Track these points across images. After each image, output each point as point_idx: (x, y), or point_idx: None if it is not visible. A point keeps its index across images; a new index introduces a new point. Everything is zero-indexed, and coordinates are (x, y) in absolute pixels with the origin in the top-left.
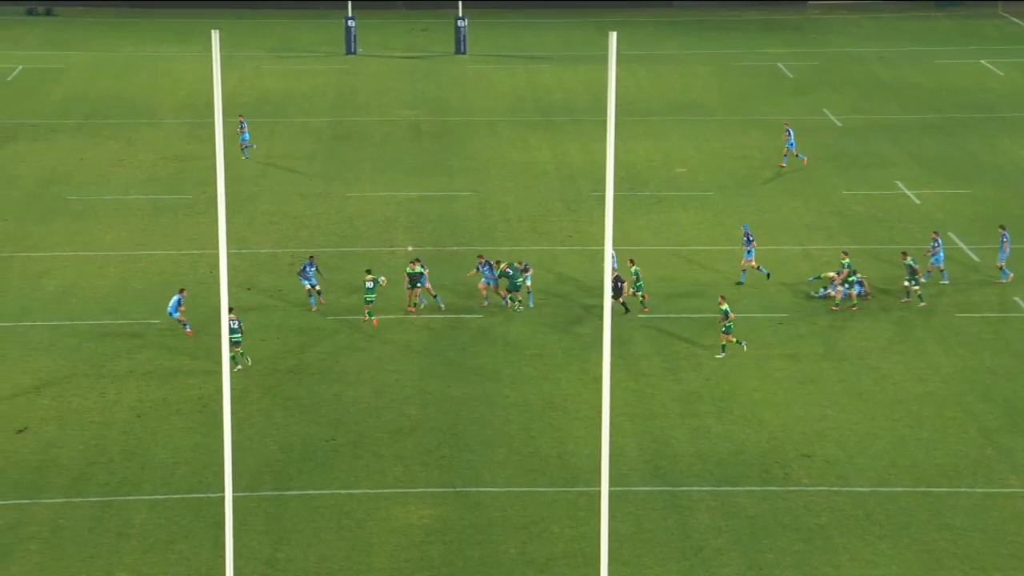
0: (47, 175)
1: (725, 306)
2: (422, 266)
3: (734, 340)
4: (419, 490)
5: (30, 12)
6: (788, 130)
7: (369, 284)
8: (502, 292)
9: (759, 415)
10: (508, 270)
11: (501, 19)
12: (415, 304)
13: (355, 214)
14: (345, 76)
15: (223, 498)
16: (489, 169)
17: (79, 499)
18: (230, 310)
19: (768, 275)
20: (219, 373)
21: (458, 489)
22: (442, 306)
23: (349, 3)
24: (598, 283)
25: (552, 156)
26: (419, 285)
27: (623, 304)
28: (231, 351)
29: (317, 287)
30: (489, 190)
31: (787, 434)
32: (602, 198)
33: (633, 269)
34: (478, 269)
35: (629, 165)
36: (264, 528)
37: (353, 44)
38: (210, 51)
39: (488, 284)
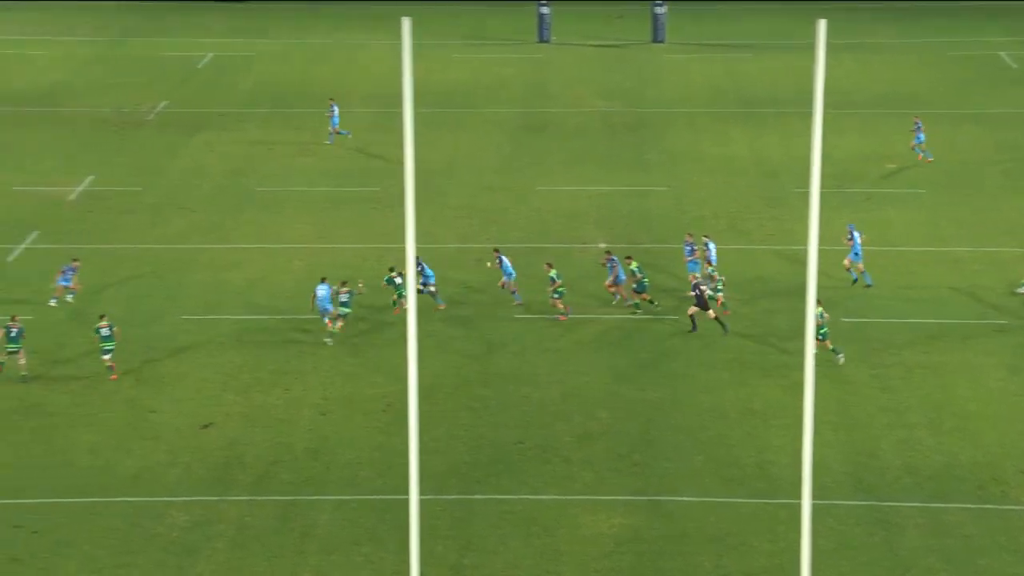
0: (235, 165)
1: (819, 310)
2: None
3: (829, 347)
4: (610, 497)
5: None
6: (917, 123)
7: (399, 280)
8: (622, 291)
9: (974, 428)
10: (635, 270)
11: (702, 6)
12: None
13: (544, 208)
14: (537, 65)
15: (408, 500)
16: (685, 163)
17: (264, 497)
18: (328, 280)
19: (856, 281)
20: (406, 371)
21: (651, 497)
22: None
23: None
24: (801, 285)
25: (752, 150)
26: (557, 294)
27: (718, 320)
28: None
29: (430, 287)
30: (685, 185)
31: (1005, 449)
32: (806, 195)
33: (709, 269)
34: (605, 266)
35: (836, 160)
36: (450, 533)
37: (546, 32)
38: (400, 39)
39: (618, 284)
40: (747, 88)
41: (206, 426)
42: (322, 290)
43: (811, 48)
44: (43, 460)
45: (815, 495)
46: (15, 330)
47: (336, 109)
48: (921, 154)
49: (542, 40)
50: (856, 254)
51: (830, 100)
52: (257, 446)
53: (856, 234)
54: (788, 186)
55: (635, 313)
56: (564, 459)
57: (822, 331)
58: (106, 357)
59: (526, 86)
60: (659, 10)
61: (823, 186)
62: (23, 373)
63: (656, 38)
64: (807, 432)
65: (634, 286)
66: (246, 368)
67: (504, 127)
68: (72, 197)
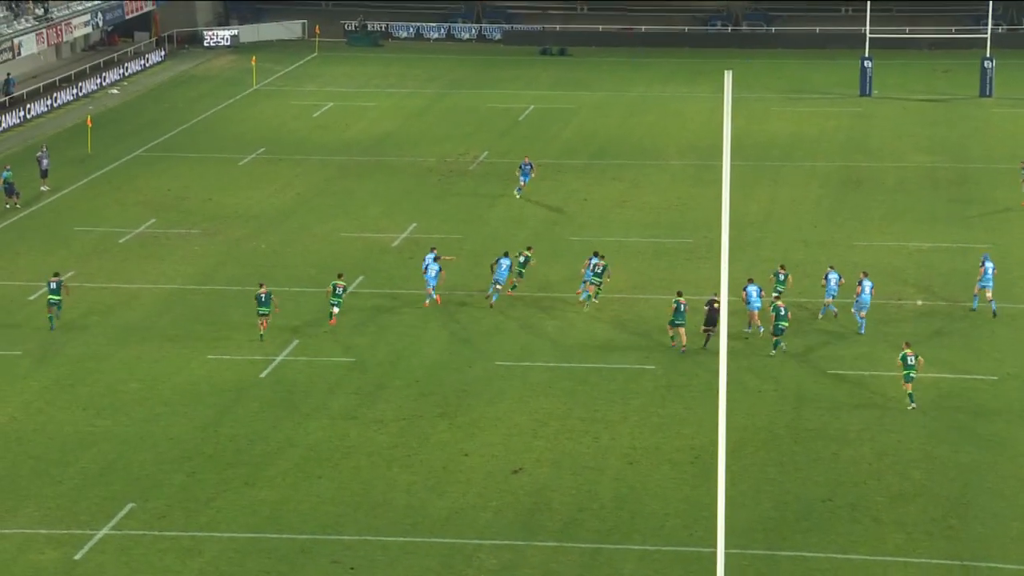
0: (552, 215)
1: (905, 351)
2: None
3: (909, 391)
4: (922, 560)
5: (544, 52)
6: None
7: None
8: (756, 319)
9: None
10: (782, 308)
11: None
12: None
13: (861, 264)
14: (858, 119)
15: (714, 554)
16: (1011, 221)
17: (570, 544)
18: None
19: (994, 313)
20: (714, 424)
21: (965, 563)
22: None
23: (867, 44)
24: None
25: None
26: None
27: (707, 338)
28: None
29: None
30: (1009, 243)
31: None
32: None
33: (779, 282)
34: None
35: None
36: None
37: (868, 86)
38: (719, 92)
39: (753, 311)
40: None
41: (516, 471)
42: (504, 263)
43: None
44: (361, 498)
45: None
46: (264, 295)
47: (531, 166)
48: None
49: (864, 94)
50: (983, 283)
51: None
52: (564, 493)
53: (989, 264)
54: None
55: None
56: (874, 519)
57: (905, 372)
58: (335, 310)
59: (846, 139)
60: (988, 64)
61: None
62: (261, 332)
63: (984, 92)
64: None
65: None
66: (556, 415)
67: (823, 180)
68: (395, 243)
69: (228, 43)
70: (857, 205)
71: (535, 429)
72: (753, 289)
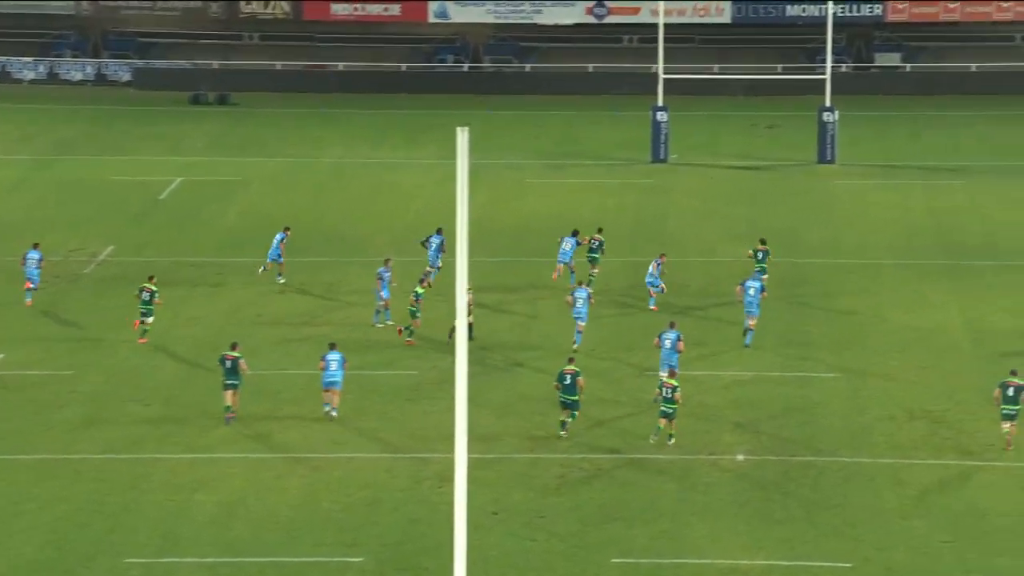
0: (210, 343)
1: (662, 377)
2: None
3: (662, 426)
4: None
5: (196, 99)
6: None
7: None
8: None
9: None
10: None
11: (888, 112)
12: None
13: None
14: (650, 194)
15: None
16: (867, 339)
17: None
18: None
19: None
20: None
21: None
22: None
23: (660, 88)
24: None
25: (964, 317)
26: None
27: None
28: None
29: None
30: (864, 369)
31: None
32: None
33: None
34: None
35: None
36: None
37: (663, 148)
38: (451, 157)
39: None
40: (956, 229)
41: None
42: (570, 242)
43: None
44: None
45: None
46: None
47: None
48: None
49: (658, 159)
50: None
51: None
52: None
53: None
54: None
55: None
56: None
57: (664, 409)
58: (148, 320)
59: (634, 224)
60: (828, 117)
61: None
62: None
63: (824, 157)
64: None
65: None
66: None
67: (600, 286)
68: None
69: None
70: (646, 323)
71: None
72: (332, 358)
